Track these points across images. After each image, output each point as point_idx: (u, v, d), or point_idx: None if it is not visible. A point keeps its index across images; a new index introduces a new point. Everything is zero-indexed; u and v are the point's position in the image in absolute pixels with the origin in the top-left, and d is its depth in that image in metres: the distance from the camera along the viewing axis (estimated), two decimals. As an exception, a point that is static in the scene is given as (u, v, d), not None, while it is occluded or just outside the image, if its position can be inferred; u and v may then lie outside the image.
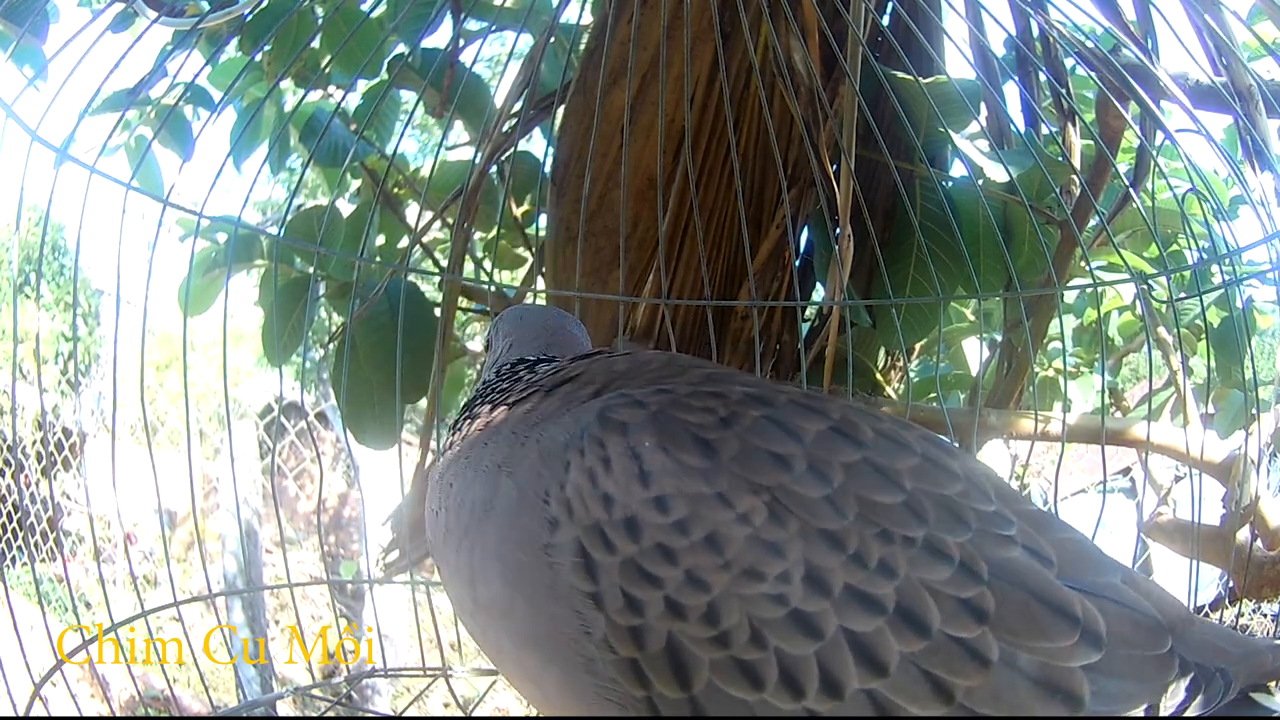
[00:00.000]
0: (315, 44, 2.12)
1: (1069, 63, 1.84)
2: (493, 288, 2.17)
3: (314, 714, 1.58)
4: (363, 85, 2.17)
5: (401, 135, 2.09)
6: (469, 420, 0.95)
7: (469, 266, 2.23)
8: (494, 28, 2.09)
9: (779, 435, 0.77)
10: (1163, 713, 0.76)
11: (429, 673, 1.64)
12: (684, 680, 0.71)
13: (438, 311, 1.94)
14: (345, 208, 2.33)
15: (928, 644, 0.70)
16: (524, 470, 0.80)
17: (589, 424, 0.79)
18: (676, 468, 0.74)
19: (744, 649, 0.70)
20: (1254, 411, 1.63)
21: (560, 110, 1.82)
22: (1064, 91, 1.75)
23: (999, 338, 2.26)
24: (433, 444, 1.77)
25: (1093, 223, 2.07)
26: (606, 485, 0.75)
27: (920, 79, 1.54)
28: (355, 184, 2.54)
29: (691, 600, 0.71)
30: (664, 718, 0.73)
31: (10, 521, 5.24)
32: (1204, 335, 2.19)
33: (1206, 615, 2.22)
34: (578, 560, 0.74)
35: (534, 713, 1.70)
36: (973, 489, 0.79)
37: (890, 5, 1.86)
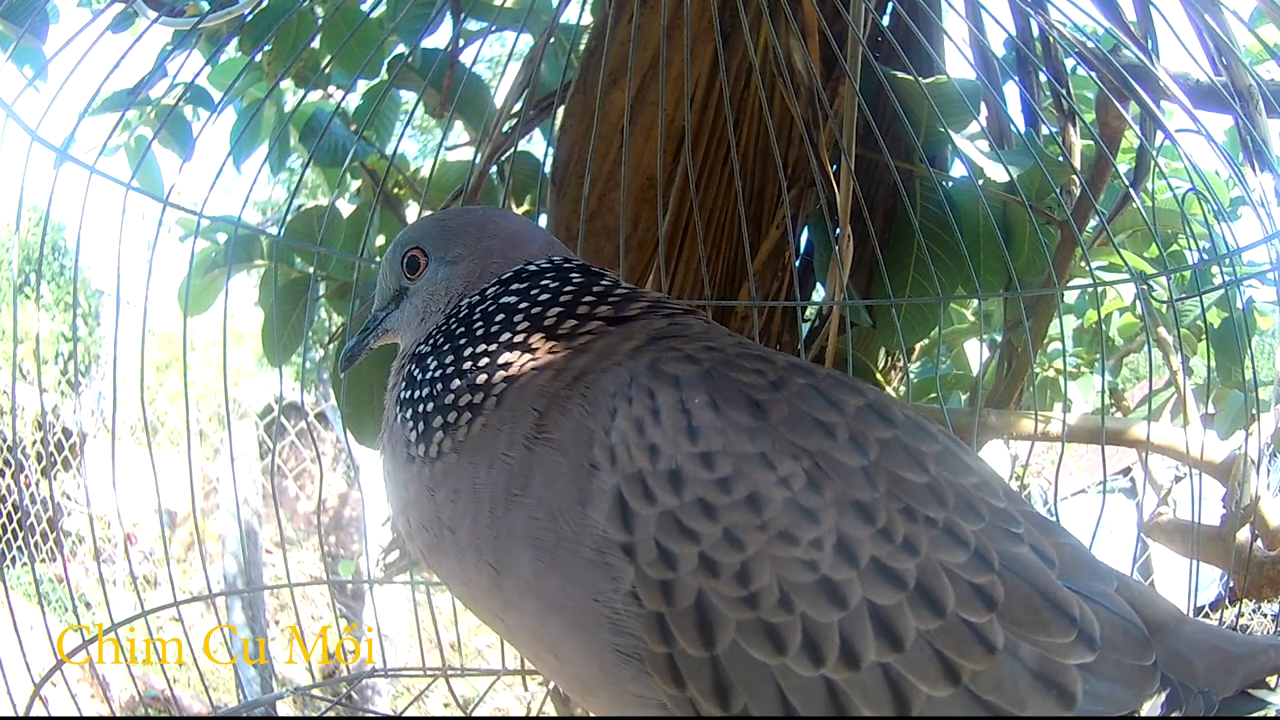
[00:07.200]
0: (315, 44, 2.12)
1: (1069, 63, 1.84)
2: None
3: (314, 714, 1.58)
4: (363, 85, 2.17)
5: (401, 135, 2.09)
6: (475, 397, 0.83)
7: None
8: (494, 28, 2.09)
9: (823, 404, 0.78)
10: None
11: (429, 673, 1.64)
12: (708, 639, 0.72)
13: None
14: (345, 208, 2.33)
15: (941, 624, 0.72)
16: (567, 430, 0.78)
17: (639, 373, 0.78)
18: (725, 425, 0.75)
19: (771, 611, 0.71)
20: (1254, 412, 1.63)
21: (560, 110, 1.81)
22: (1064, 91, 1.75)
23: (999, 338, 2.26)
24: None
25: (1093, 223, 2.07)
26: (654, 436, 0.74)
27: (920, 79, 1.54)
28: (355, 184, 2.54)
29: (726, 558, 0.72)
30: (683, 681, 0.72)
31: (10, 522, 5.24)
32: (1204, 335, 2.19)
33: (1207, 615, 2.22)
34: (614, 509, 0.74)
35: (534, 713, 1.71)
36: (985, 484, 0.81)
37: (890, 5, 1.86)
